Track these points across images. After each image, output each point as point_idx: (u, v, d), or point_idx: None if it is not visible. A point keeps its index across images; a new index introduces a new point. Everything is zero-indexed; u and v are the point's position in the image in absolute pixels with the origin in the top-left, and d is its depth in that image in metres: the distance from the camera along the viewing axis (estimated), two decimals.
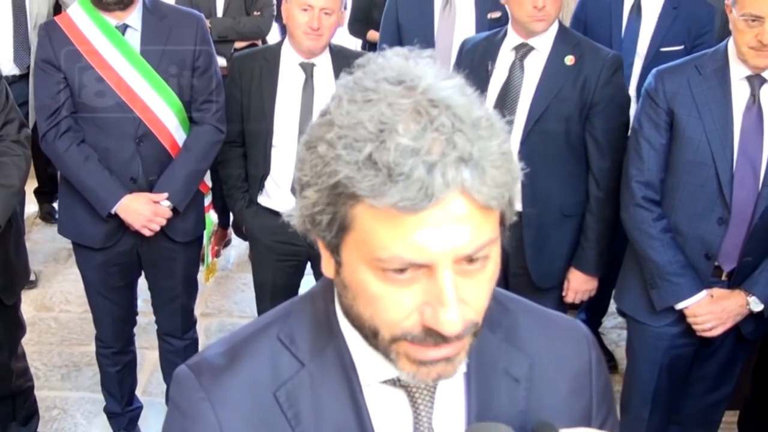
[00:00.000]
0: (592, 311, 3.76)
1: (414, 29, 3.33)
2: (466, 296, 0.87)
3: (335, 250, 0.90)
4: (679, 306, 2.49)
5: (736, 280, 2.48)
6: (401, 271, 0.85)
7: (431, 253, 0.83)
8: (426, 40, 3.28)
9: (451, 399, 1.01)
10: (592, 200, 2.73)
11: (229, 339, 1.06)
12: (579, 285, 2.84)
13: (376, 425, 0.99)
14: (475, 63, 2.77)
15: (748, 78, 2.35)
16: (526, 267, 2.81)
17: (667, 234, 2.46)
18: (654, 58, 3.21)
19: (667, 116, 2.42)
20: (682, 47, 3.25)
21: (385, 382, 0.99)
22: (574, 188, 2.75)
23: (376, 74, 0.87)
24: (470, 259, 0.85)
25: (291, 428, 0.98)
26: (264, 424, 0.99)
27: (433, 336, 0.87)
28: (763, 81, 2.35)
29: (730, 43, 2.37)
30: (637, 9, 3.25)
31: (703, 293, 2.46)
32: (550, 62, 2.67)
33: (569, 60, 2.65)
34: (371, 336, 0.91)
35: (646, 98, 2.47)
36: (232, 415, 0.99)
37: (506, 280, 2.84)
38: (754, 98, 2.36)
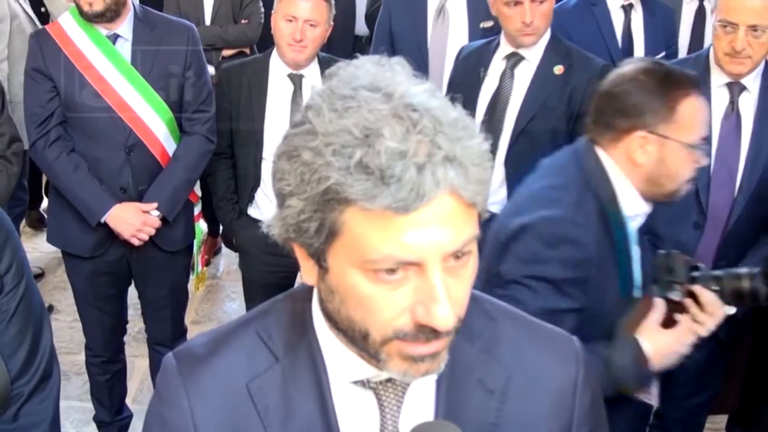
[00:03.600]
0: None
1: (407, 38, 3.32)
2: (453, 293, 0.89)
3: (321, 256, 0.91)
4: None
5: None
6: (392, 271, 0.87)
7: (422, 252, 0.86)
8: (419, 49, 3.28)
9: (420, 404, 1.02)
10: None
11: (215, 330, 1.10)
12: None
13: (342, 424, 1.01)
14: (469, 70, 2.80)
15: (728, 85, 2.38)
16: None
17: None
18: None
19: None
20: (665, 53, 3.28)
21: (355, 382, 1.01)
22: None
23: (351, 82, 0.89)
24: (456, 256, 0.88)
25: (260, 420, 1.01)
26: (235, 413, 1.02)
27: (425, 332, 0.89)
28: (742, 88, 2.38)
29: (712, 50, 2.40)
30: (628, 28, 3.26)
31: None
32: (539, 72, 2.68)
33: (558, 70, 2.65)
34: (360, 339, 0.93)
35: None
36: (204, 402, 1.02)
37: None
38: (733, 105, 2.39)
